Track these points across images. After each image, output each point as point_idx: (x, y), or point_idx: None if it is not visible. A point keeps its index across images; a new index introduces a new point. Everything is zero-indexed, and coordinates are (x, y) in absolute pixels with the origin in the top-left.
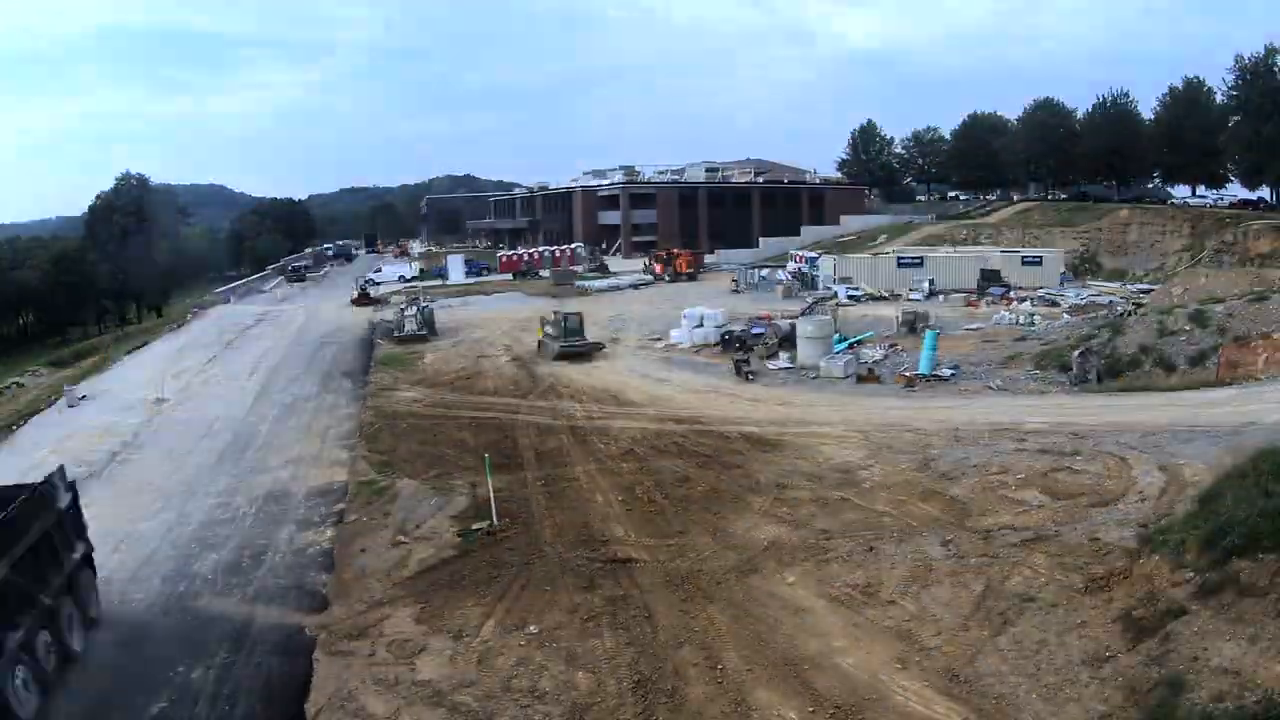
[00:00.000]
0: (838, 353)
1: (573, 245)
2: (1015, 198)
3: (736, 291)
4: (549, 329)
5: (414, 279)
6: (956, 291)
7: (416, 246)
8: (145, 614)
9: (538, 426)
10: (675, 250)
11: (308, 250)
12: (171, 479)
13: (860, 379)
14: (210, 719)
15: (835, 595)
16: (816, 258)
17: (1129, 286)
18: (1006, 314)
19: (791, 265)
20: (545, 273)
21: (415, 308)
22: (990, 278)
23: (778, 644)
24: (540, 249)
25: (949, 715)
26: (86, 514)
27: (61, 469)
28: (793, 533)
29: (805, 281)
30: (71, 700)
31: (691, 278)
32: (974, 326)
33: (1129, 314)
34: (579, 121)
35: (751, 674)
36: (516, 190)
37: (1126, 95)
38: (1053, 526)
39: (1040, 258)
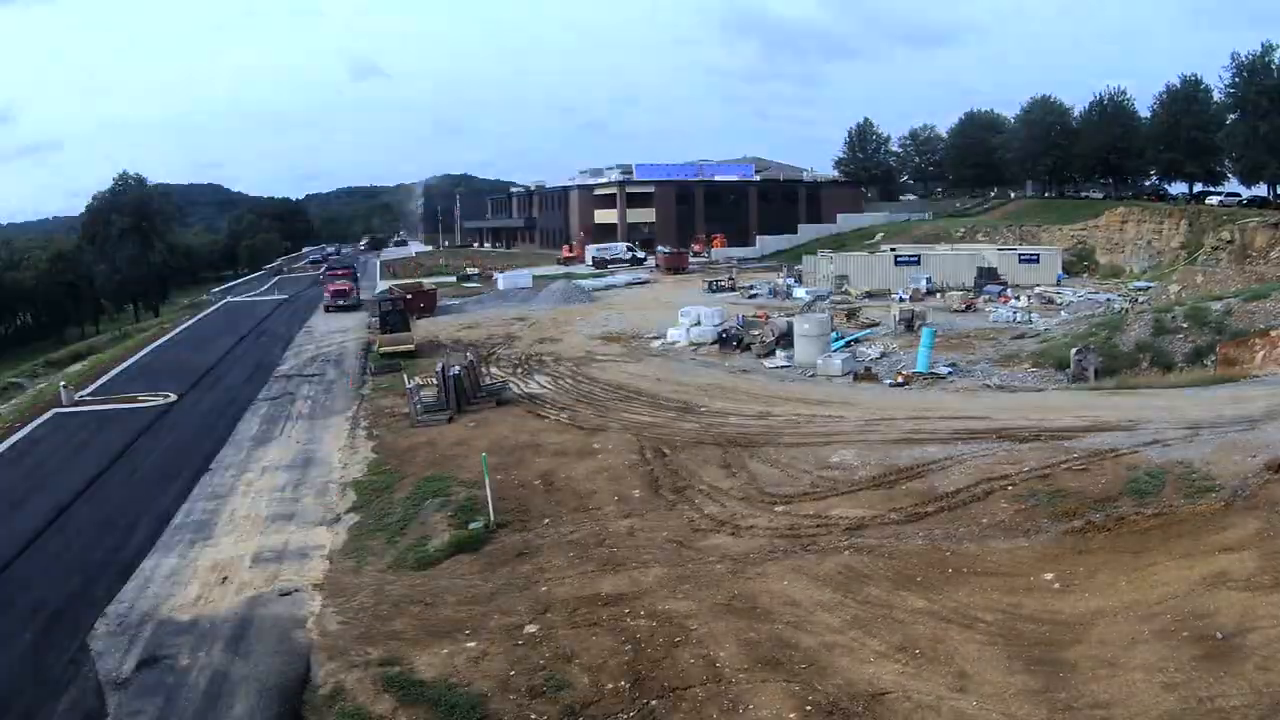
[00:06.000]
0: (835, 350)
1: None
2: (1013, 195)
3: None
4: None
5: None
6: (954, 289)
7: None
8: None
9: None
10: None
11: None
12: None
13: (858, 377)
14: None
15: None
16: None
17: (1127, 284)
18: (1004, 312)
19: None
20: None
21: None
22: (988, 275)
23: None
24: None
25: None
26: None
27: None
28: None
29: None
30: None
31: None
32: (972, 325)
33: (1127, 312)
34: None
35: None
36: (514, 189)
37: (1124, 93)
38: None
39: (1038, 255)
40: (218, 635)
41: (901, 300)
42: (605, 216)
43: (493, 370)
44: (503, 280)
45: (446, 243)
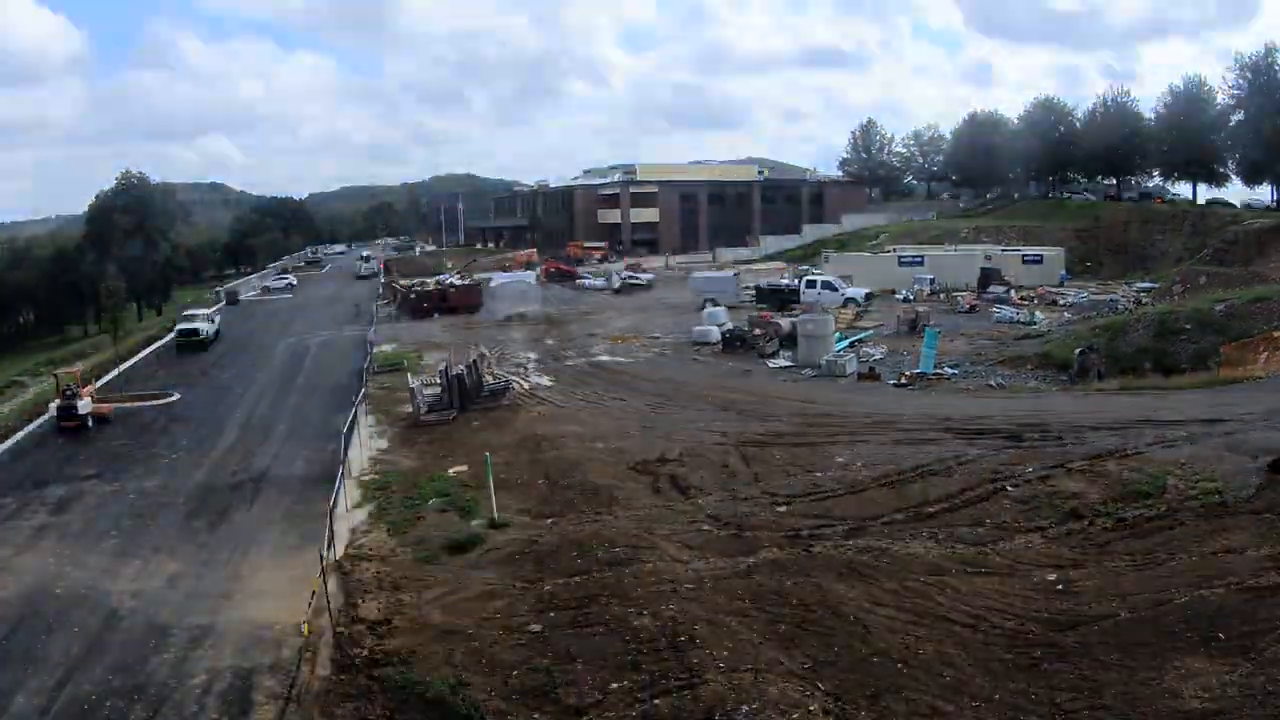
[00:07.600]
0: (839, 351)
1: None
2: (1016, 196)
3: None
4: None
5: None
6: (958, 290)
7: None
8: None
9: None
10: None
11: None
12: None
13: (861, 377)
14: None
15: None
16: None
17: (1130, 285)
18: (1007, 312)
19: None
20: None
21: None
22: (991, 276)
23: None
24: None
25: None
26: None
27: None
28: None
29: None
30: None
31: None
32: (975, 325)
33: (1130, 313)
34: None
35: None
36: (518, 189)
37: (1127, 94)
38: None
39: (1041, 256)
40: None
41: (906, 300)
42: (608, 216)
43: (495, 370)
44: (497, 280)
45: (449, 243)
